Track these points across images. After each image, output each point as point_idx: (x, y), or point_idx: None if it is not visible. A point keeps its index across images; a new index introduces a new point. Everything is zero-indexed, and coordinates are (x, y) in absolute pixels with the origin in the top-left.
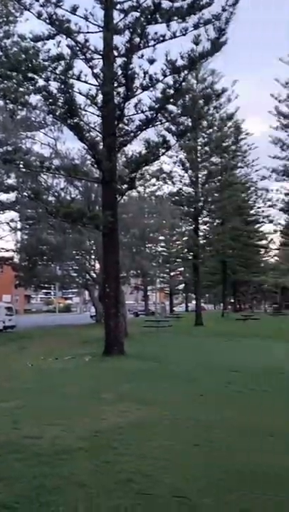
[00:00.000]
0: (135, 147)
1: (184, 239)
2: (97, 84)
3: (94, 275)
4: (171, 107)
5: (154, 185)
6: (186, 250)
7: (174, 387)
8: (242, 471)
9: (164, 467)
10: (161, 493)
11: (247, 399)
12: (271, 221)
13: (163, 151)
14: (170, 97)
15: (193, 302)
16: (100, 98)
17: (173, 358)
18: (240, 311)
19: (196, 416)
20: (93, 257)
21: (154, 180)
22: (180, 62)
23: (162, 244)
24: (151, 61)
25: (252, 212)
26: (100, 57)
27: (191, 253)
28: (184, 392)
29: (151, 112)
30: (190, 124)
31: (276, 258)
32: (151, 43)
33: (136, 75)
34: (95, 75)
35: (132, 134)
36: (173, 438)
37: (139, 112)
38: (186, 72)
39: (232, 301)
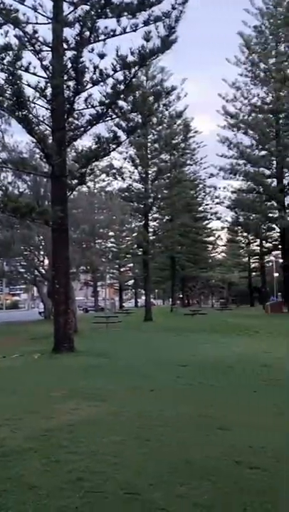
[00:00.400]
0: (85, 142)
1: (133, 235)
2: (46, 76)
3: (43, 271)
4: (121, 102)
5: (103, 180)
6: (135, 246)
7: (124, 382)
8: (192, 464)
9: (115, 464)
10: (112, 490)
11: (196, 393)
12: (219, 218)
13: (114, 146)
14: (120, 92)
15: (143, 298)
16: (49, 91)
17: (123, 354)
18: (189, 306)
19: (146, 411)
20: (42, 252)
21: (103, 176)
22: (130, 58)
23: (112, 240)
24: (102, 56)
25: (200, 209)
26: (49, 49)
27: (141, 249)
28: (134, 388)
29: (101, 107)
30: (140, 120)
31: (223, 254)
32: (102, 37)
33: (86, 69)
34: (44, 68)
35: (82, 129)
36: (124, 434)
37: (90, 106)
38: (136, 68)
39: (180, 296)
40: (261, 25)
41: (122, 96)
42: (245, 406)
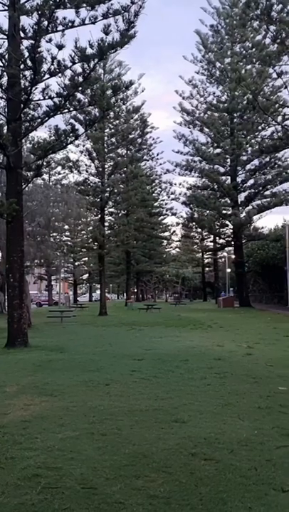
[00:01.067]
0: (42, 134)
1: (89, 229)
2: (1, 65)
3: None
4: (79, 95)
5: (59, 173)
6: (91, 240)
7: (79, 377)
8: (148, 457)
9: (71, 459)
10: (69, 485)
11: (151, 386)
12: (174, 214)
13: (72, 139)
14: (79, 84)
15: (98, 292)
16: (4, 80)
17: (78, 348)
18: (143, 300)
19: (101, 405)
20: None
21: (59, 169)
22: (89, 51)
23: (67, 233)
24: (60, 46)
25: (156, 204)
26: (5, 37)
27: (97, 243)
28: (89, 382)
29: (59, 99)
30: (98, 114)
31: (177, 249)
32: (60, 28)
33: (44, 60)
34: (0, 56)
35: (39, 120)
36: (79, 428)
37: (47, 97)
38: (95, 61)
39: (135, 290)
40: (218, 24)
41: (80, 88)
42: (199, 399)
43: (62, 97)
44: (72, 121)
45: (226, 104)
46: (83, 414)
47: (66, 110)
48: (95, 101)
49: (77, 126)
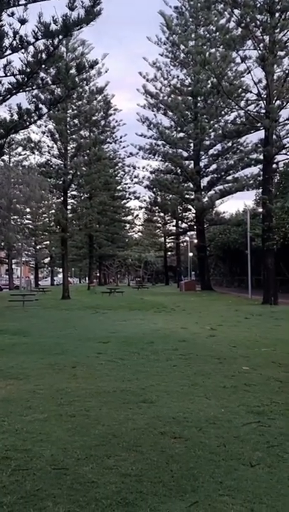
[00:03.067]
0: (2, 113)
1: (51, 212)
2: None
3: None
4: (43, 73)
5: (20, 154)
6: (53, 224)
7: (44, 360)
8: (119, 437)
9: (41, 441)
10: (40, 466)
11: (118, 368)
12: (137, 197)
13: (35, 118)
14: (42, 62)
15: (59, 276)
16: None
17: (41, 332)
18: (106, 284)
19: (69, 388)
20: None
21: (20, 150)
22: (54, 27)
23: (28, 216)
24: (23, 21)
25: (119, 188)
26: None
27: (59, 226)
28: (55, 365)
29: (22, 76)
30: (61, 93)
31: (140, 234)
32: (23, 1)
33: (5, 34)
34: None
35: (1, 98)
36: (47, 411)
37: (9, 74)
38: (60, 37)
39: (98, 274)
40: (182, 6)
41: (43, 66)
42: (166, 380)
43: (25, 74)
44: (35, 100)
45: (189, 88)
46: (50, 397)
47: (29, 88)
48: (59, 79)
49: (41, 105)
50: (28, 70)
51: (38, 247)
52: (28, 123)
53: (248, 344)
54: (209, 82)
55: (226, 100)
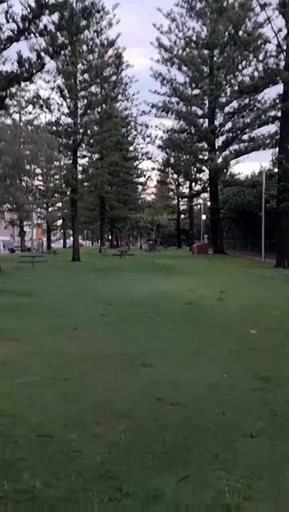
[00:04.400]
0: (5, 68)
1: (62, 173)
2: None
3: None
4: (46, 20)
5: (30, 113)
6: (64, 185)
7: (46, 321)
8: (112, 403)
9: (29, 405)
10: (23, 433)
11: (120, 331)
12: (150, 158)
13: (37, 68)
14: (44, 5)
15: (72, 238)
16: None
17: (47, 293)
18: (118, 247)
19: (66, 350)
20: None
21: (30, 108)
22: None
23: (39, 178)
24: None
25: (131, 148)
26: None
27: (69, 187)
28: (57, 327)
29: (23, 22)
30: (66, 40)
31: (152, 196)
32: None
33: None
34: None
35: (2, 46)
36: (41, 374)
37: (10, 20)
38: None
39: (109, 237)
40: None
41: (46, 11)
42: (169, 343)
43: (27, 20)
44: (37, 48)
45: (205, 41)
46: (47, 359)
47: (32, 35)
48: (62, 25)
49: (43, 54)
50: (31, 15)
51: (49, 209)
52: (30, 74)
53: (258, 308)
54: (226, 33)
55: (244, 52)
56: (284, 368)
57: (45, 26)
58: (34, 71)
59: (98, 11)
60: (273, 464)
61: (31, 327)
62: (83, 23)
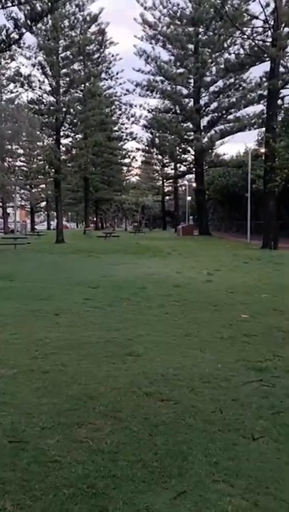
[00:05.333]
0: None
1: (45, 153)
2: None
3: None
4: None
5: (11, 92)
6: (47, 166)
7: (27, 306)
8: (96, 399)
9: (3, 403)
10: None
11: (105, 316)
12: (134, 138)
13: (15, 38)
14: None
15: (56, 220)
16: None
17: (30, 276)
18: (103, 229)
19: (48, 337)
20: None
21: (11, 87)
22: None
23: (22, 158)
24: None
25: (115, 128)
26: None
27: (52, 167)
28: (37, 312)
29: None
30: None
31: (137, 177)
32: None
33: None
34: None
35: None
36: (18, 365)
37: None
38: None
39: (94, 219)
40: None
41: None
42: (156, 329)
43: None
44: (13, 16)
45: (191, 15)
46: (25, 349)
47: (9, 4)
48: None
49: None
50: None
51: (33, 191)
52: (7, 43)
53: (246, 290)
54: (212, 8)
55: (230, 29)
56: (280, 356)
57: None
58: (12, 41)
59: None
60: (280, 473)
61: (11, 312)
62: None
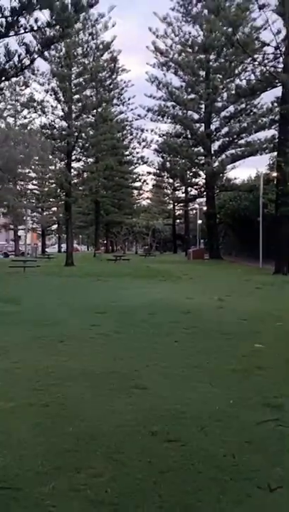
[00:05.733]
0: None
1: (56, 177)
2: None
3: None
4: (36, 14)
5: (25, 117)
6: (59, 190)
7: (31, 332)
8: (98, 438)
9: None
10: None
11: (111, 344)
12: (145, 162)
13: (26, 63)
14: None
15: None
16: None
17: (36, 300)
18: (113, 252)
19: (49, 367)
20: None
21: (25, 112)
22: None
23: (34, 182)
24: None
25: (126, 152)
26: None
27: (63, 190)
28: (41, 338)
29: (12, 15)
30: (57, 33)
31: (148, 201)
32: None
33: None
34: None
35: None
36: (17, 398)
37: None
38: None
39: (105, 242)
40: None
41: (36, 4)
42: (164, 359)
43: (16, 14)
44: (25, 42)
45: (202, 42)
46: (26, 379)
47: (21, 30)
48: (53, 18)
49: (33, 50)
50: (19, 6)
51: (44, 214)
52: (19, 68)
53: (259, 317)
54: (223, 35)
55: (241, 55)
56: None
57: (36, 19)
58: (23, 66)
59: (91, 6)
60: None
61: (13, 339)
62: (75, 17)
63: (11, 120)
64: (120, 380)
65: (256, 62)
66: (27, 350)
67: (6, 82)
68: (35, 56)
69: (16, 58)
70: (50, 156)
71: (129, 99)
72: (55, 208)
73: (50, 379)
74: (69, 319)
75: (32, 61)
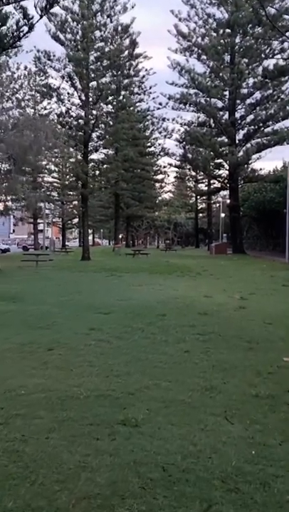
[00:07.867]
0: None
1: (73, 167)
2: None
3: None
4: None
5: (45, 108)
6: (77, 181)
7: (19, 337)
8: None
9: None
10: None
11: (108, 353)
12: (167, 153)
13: (24, 30)
14: None
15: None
16: None
17: (38, 298)
18: (134, 246)
19: (25, 386)
20: None
21: (45, 103)
22: None
23: (54, 175)
24: None
25: (148, 144)
26: None
27: (80, 182)
28: (28, 345)
29: None
30: None
31: (170, 194)
32: None
33: None
34: None
35: None
36: None
37: None
38: None
39: (125, 236)
40: None
41: None
42: (169, 377)
43: None
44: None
45: (227, 30)
46: (8, 398)
47: None
48: None
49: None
50: None
51: (64, 207)
52: (17, 37)
53: (287, 320)
54: (250, 9)
55: (269, 33)
56: None
57: None
58: (21, 34)
59: None
60: None
61: (2, 345)
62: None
63: (30, 110)
64: (107, 410)
65: (286, 42)
66: (5, 362)
67: (25, 71)
68: (34, 21)
69: (13, 22)
70: (72, 149)
71: (150, 87)
72: (76, 202)
73: (18, 406)
74: (67, 321)
75: (30, 28)
